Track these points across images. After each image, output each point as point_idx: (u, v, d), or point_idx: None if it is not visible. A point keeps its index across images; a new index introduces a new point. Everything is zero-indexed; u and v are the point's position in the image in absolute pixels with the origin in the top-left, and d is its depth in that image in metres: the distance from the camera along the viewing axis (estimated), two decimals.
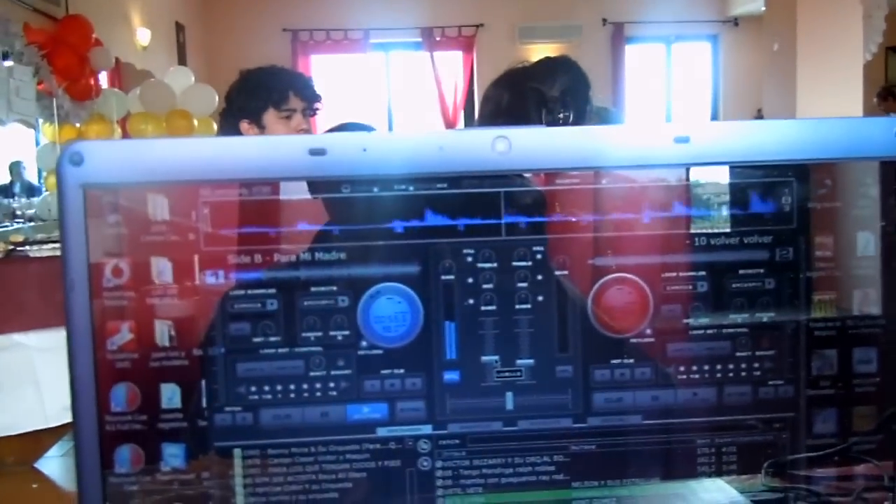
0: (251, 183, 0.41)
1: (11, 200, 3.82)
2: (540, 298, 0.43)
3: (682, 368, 0.44)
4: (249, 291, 0.42)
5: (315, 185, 0.42)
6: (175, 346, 0.42)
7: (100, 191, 0.41)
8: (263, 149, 0.41)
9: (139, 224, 0.42)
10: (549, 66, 1.37)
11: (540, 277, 0.43)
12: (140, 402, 0.42)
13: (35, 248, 2.41)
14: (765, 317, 0.44)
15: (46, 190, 3.90)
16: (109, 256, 0.42)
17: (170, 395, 0.42)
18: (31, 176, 4.20)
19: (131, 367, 0.42)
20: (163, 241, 0.42)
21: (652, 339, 0.44)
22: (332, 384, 0.43)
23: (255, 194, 0.42)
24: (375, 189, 0.42)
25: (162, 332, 0.42)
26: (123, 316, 0.42)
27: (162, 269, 0.42)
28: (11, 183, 4.07)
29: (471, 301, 0.43)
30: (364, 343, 0.43)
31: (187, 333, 0.42)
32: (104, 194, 0.41)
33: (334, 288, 0.42)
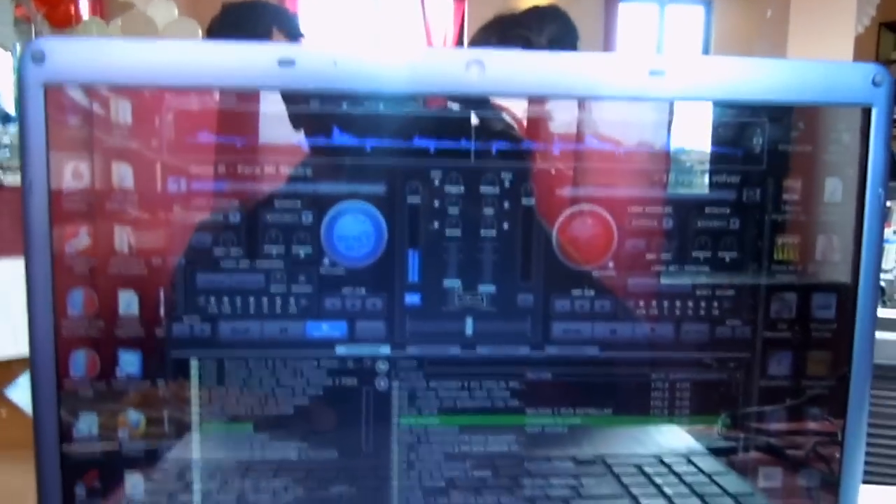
0: (217, 90, 0.40)
1: None
2: (505, 226, 0.43)
3: (641, 303, 0.44)
4: (212, 202, 0.42)
5: (282, 98, 0.41)
6: (134, 254, 0.42)
7: (61, 90, 0.40)
8: (231, 56, 0.40)
9: (101, 127, 0.41)
10: (538, 14, 1.35)
11: (506, 205, 0.43)
12: (97, 308, 0.42)
13: (9, 175, 2.37)
14: (727, 257, 0.44)
15: None
16: (70, 159, 0.41)
17: (127, 302, 0.42)
18: (6, 104, 4.11)
19: (89, 273, 0.41)
20: (125, 146, 0.41)
21: (614, 273, 0.44)
22: (292, 300, 0.42)
23: (221, 103, 0.41)
24: (344, 105, 0.41)
25: (121, 238, 0.42)
26: (82, 220, 0.41)
27: (123, 174, 0.41)
28: None
29: (436, 225, 0.43)
30: (326, 261, 0.42)
31: (147, 241, 0.42)
32: (66, 94, 0.40)
33: (298, 203, 0.42)
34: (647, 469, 0.46)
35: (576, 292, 0.44)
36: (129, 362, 0.42)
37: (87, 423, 0.42)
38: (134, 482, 0.43)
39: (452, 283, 0.43)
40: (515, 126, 0.43)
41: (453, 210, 0.43)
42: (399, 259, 0.43)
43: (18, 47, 3.81)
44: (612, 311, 0.44)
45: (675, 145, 0.43)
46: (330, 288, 0.43)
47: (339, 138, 0.42)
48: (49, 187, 0.40)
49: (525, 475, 0.45)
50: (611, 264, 0.44)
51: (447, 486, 0.44)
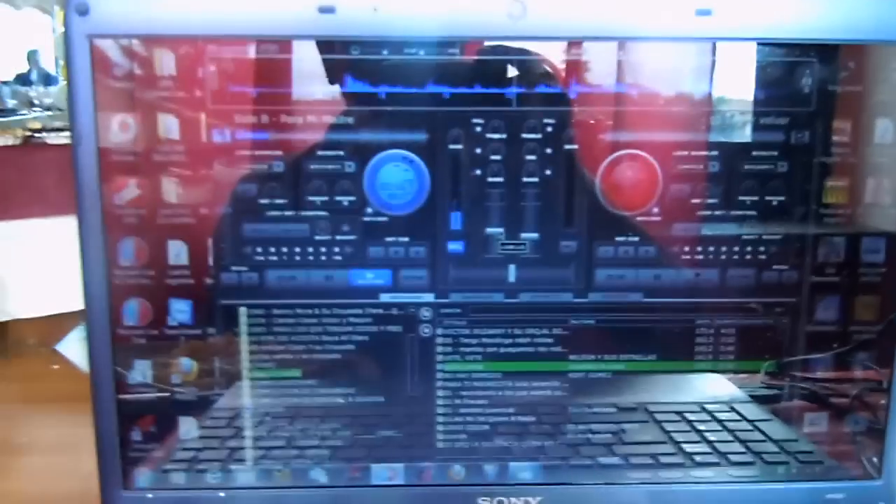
0: (258, 39, 0.40)
1: (28, 89, 3.80)
2: (548, 172, 0.43)
3: (686, 249, 0.44)
4: (256, 152, 0.42)
5: (323, 46, 0.41)
6: (182, 204, 0.42)
7: (106, 42, 0.40)
8: (271, 4, 0.40)
9: (146, 79, 0.41)
10: None
11: (549, 150, 0.43)
12: (148, 258, 0.43)
13: (52, 135, 2.42)
14: (775, 201, 0.43)
15: (63, 79, 3.86)
16: (117, 111, 0.41)
17: (177, 251, 0.43)
18: (47, 64, 4.16)
19: (138, 223, 0.42)
20: (170, 97, 0.41)
21: (658, 219, 0.43)
22: (336, 249, 0.43)
23: (262, 53, 0.41)
24: (385, 52, 0.41)
25: (168, 188, 0.42)
26: (131, 171, 0.42)
27: (169, 125, 0.42)
28: (28, 72, 4.03)
29: (478, 172, 0.42)
30: (369, 210, 0.43)
31: (193, 192, 0.42)
32: (111, 46, 0.40)
33: (341, 152, 0.42)
34: (690, 416, 0.46)
35: (619, 238, 0.43)
36: (180, 311, 0.43)
37: (141, 371, 0.43)
38: (187, 427, 0.44)
39: (495, 230, 0.43)
40: (557, 70, 0.42)
41: (495, 157, 0.42)
42: (441, 207, 0.43)
43: (57, 9, 3.84)
44: (655, 256, 0.44)
45: (721, 87, 0.42)
46: (373, 236, 0.43)
47: (380, 86, 0.41)
48: (97, 139, 0.41)
49: (567, 421, 0.45)
50: (655, 210, 0.43)
51: (490, 430, 0.45)
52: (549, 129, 0.42)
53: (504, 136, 0.42)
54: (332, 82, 0.41)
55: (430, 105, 0.42)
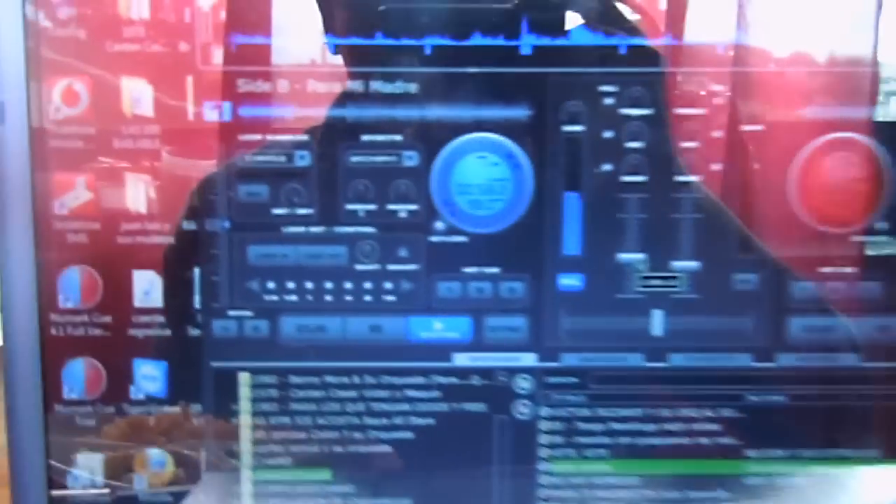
0: None
1: None
2: (715, 167, 0.28)
3: None
4: (269, 137, 0.28)
5: None
6: (155, 215, 0.28)
7: None
8: None
9: (106, 25, 0.27)
10: None
11: (717, 135, 0.28)
12: (101, 296, 0.28)
13: None
14: None
15: None
16: (59, 74, 0.27)
17: (146, 287, 0.28)
18: None
19: (89, 243, 0.28)
20: (140, 53, 0.27)
21: (886, 237, 0.28)
22: (388, 284, 0.28)
23: None
24: None
25: (136, 192, 0.28)
26: (79, 165, 0.28)
27: (138, 95, 0.27)
28: None
29: (607, 167, 0.28)
30: (440, 224, 0.28)
31: (173, 196, 0.28)
32: None
33: (398, 137, 0.27)
34: None
35: (824, 269, 0.28)
36: (150, 377, 0.28)
37: (88, 468, 0.28)
38: None
39: (632, 256, 0.28)
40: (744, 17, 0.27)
41: (634, 144, 0.28)
42: (551, 221, 0.28)
43: None
44: (882, 298, 0.28)
45: None
46: (446, 266, 0.28)
47: (457, 37, 0.27)
48: (29, 115, 0.27)
49: None
50: (880, 225, 0.28)
51: None
52: (717, 100, 0.27)
53: (648, 111, 0.27)
54: (381, 32, 0.27)
55: (532, 65, 0.27)
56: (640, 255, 0.28)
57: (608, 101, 0.27)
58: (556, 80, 0.27)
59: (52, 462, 0.28)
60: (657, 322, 0.28)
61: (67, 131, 0.27)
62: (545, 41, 0.27)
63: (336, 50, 0.27)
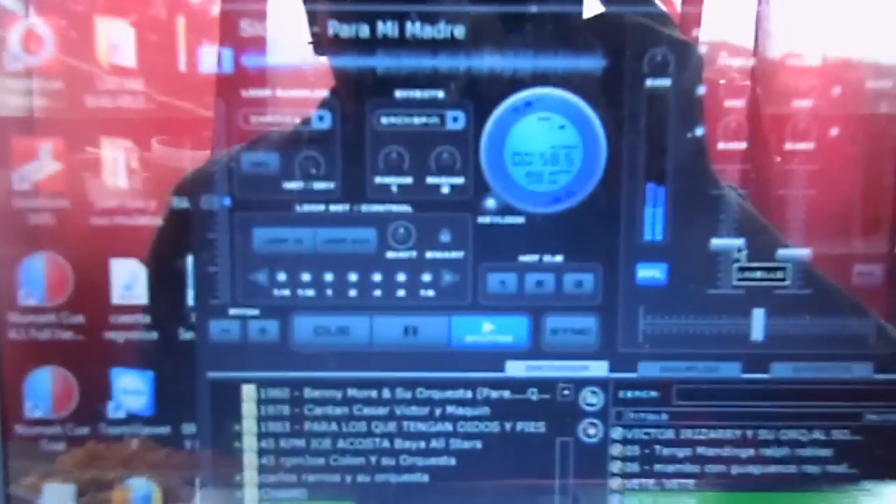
0: None
1: None
2: (833, 134, 0.22)
3: None
4: (280, 92, 0.22)
5: None
6: (139, 191, 0.22)
7: None
8: None
9: None
10: None
11: (836, 93, 0.22)
12: (72, 291, 0.23)
13: None
14: None
15: None
16: (15, 12, 0.22)
17: (127, 280, 0.23)
18: None
19: (56, 225, 0.22)
20: None
21: None
22: (426, 276, 0.23)
23: None
24: None
25: (115, 162, 0.22)
26: (43, 128, 0.22)
27: (116, 40, 0.22)
28: None
29: (700, 131, 0.22)
30: (491, 202, 0.22)
31: (163, 169, 0.23)
32: None
33: (440, 94, 0.22)
34: None
35: None
36: (132, 391, 0.23)
37: (57, 501, 0.23)
38: None
39: (727, 243, 0.23)
40: None
41: (735, 104, 0.22)
42: (628, 198, 0.22)
43: None
44: None
45: None
46: (497, 252, 0.22)
47: None
48: None
49: None
50: None
51: None
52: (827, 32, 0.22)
53: (751, 63, 0.22)
54: None
55: (612, 2, 0.22)
56: (737, 241, 0.23)
57: (703, 49, 0.22)
58: (639, 23, 0.22)
59: (12, 493, 0.23)
60: (757, 324, 0.23)
61: (28, 85, 0.22)
62: None
63: None
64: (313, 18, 0.22)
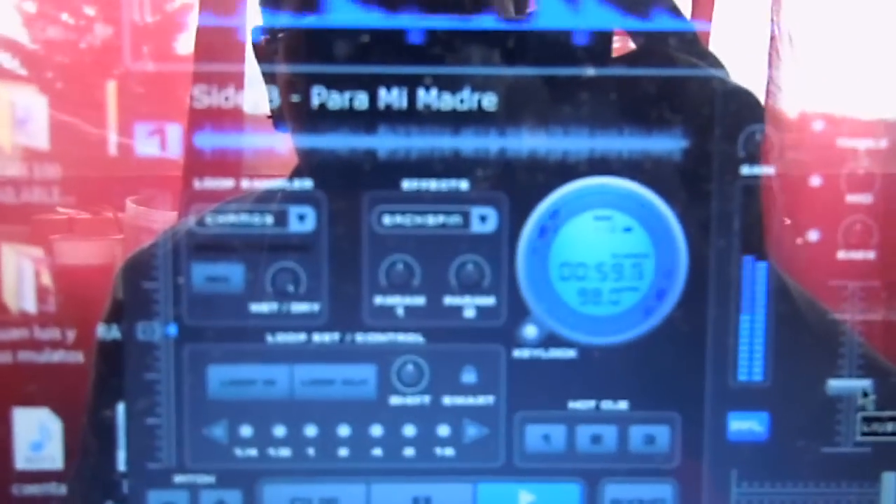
0: None
1: None
2: None
3: None
4: (246, 182, 0.16)
5: None
6: (52, 316, 0.16)
7: None
8: None
9: None
10: None
11: None
12: None
13: None
14: None
15: None
16: None
17: (35, 436, 0.17)
18: None
19: None
20: (26, 49, 0.16)
21: None
22: (443, 430, 0.17)
23: None
24: None
25: (19, 277, 0.16)
26: None
27: (24, 113, 0.16)
28: None
29: (814, 235, 0.16)
30: (531, 330, 0.16)
31: (85, 285, 0.17)
32: None
33: (462, 185, 0.16)
34: None
35: None
36: None
37: None
38: None
39: (849, 383, 0.17)
40: None
41: (859, 200, 0.16)
42: (718, 325, 0.16)
43: None
44: None
45: None
46: (539, 398, 0.17)
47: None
48: None
49: None
50: None
51: None
52: None
53: (884, 143, 0.16)
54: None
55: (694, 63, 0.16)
56: (862, 383, 0.17)
57: (819, 125, 0.16)
58: (733, 91, 0.16)
59: None
60: (890, 493, 0.17)
61: None
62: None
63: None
64: (292, 84, 0.16)
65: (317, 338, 0.17)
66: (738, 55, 0.18)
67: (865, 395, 0.17)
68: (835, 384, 0.17)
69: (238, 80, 0.16)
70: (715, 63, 0.16)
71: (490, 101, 0.16)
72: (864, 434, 0.17)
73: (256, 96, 0.17)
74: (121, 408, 0.17)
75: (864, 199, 0.17)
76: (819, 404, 0.17)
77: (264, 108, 0.17)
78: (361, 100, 0.16)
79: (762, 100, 0.16)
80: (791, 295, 0.17)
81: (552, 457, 0.17)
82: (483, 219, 0.16)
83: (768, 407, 0.17)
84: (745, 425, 0.17)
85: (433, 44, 0.16)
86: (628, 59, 0.16)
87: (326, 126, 0.16)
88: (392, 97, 0.16)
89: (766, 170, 0.16)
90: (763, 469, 0.17)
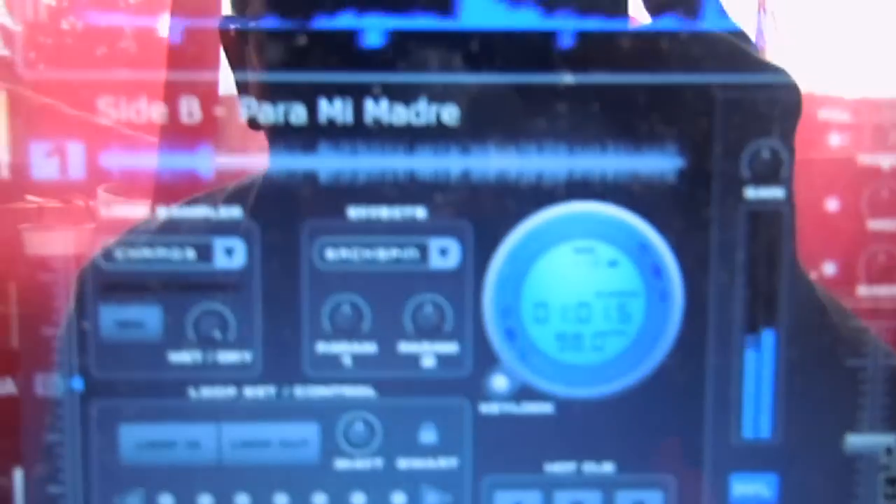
0: None
1: None
2: None
3: None
4: (163, 208, 0.14)
5: None
6: None
7: None
8: None
9: None
10: None
11: None
12: None
13: None
14: None
15: None
16: None
17: None
18: None
19: None
20: None
21: None
22: (398, 496, 0.14)
23: None
24: None
25: None
26: None
27: None
28: None
29: (831, 268, 0.14)
30: (501, 381, 0.14)
31: None
32: None
33: (417, 212, 0.14)
34: None
35: None
36: None
37: None
38: None
39: (869, 439, 0.14)
40: None
41: (884, 226, 0.14)
42: (718, 374, 0.14)
43: None
44: None
45: None
46: (510, 461, 0.14)
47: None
48: None
49: None
50: None
51: None
52: None
53: None
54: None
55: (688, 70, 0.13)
56: (886, 438, 0.14)
57: (836, 137, 0.14)
58: (734, 99, 0.14)
59: None
60: None
61: None
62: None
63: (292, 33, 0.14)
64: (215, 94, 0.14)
65: (249, 392, 0.14)
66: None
67: (889, 452, 0.15)
68: (854, 440, 0.15)
69: (150, 91, 0.13)
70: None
71: (451, 113, 0.14)
72: (887, 498, 0.15)
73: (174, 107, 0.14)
74: (18, 474, 0.14)
75: (891, 225, 0.14)
76: (835, 464, 0.15)
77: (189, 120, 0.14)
78: (299, 113, 0.13)
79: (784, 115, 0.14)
80: (805, 337, 0.14)
81: None
82: (443, 252, 0.14)
83: (777, 468, 0.14)
84: (751, 489, 0.15)
85: (384, 47, 0.13)
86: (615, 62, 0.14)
87: (258, 144, 0.14)
88: (335, 110, 0.13)
89: (774, 192, 0.14)
90: None
